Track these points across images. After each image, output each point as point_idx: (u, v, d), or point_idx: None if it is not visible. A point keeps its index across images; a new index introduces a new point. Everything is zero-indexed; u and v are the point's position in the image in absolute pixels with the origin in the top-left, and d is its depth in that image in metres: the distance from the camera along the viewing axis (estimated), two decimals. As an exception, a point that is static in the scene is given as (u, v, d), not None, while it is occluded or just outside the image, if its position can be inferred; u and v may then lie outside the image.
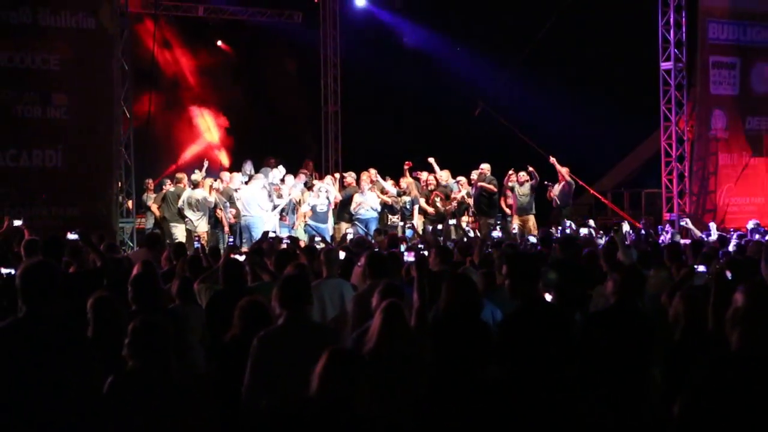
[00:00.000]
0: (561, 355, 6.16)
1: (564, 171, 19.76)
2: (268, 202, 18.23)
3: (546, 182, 19.88)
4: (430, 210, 19.52)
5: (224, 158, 24.23)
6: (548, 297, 7.14)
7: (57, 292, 5.28)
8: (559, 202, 19.67)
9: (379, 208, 18.86)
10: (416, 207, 19.25)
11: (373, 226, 18.17)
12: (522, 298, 6.29)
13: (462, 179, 20.03)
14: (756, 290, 4.47)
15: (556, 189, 19.72)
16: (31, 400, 5.06)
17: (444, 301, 6.41)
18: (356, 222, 18.32)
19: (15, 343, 5.10)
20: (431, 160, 20.21)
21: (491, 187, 19.37)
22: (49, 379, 5.10)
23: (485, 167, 19.87)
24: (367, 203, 18.70)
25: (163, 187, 18.24)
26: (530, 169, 19.50)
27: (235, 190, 18.54)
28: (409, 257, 7.71)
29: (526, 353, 6.07)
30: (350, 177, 19.62)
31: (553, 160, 19.70)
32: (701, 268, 8.52)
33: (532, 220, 19.34)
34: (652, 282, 8.83)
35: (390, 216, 19.35)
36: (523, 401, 6.01)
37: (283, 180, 19.42)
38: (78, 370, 5.21)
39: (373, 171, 19.67)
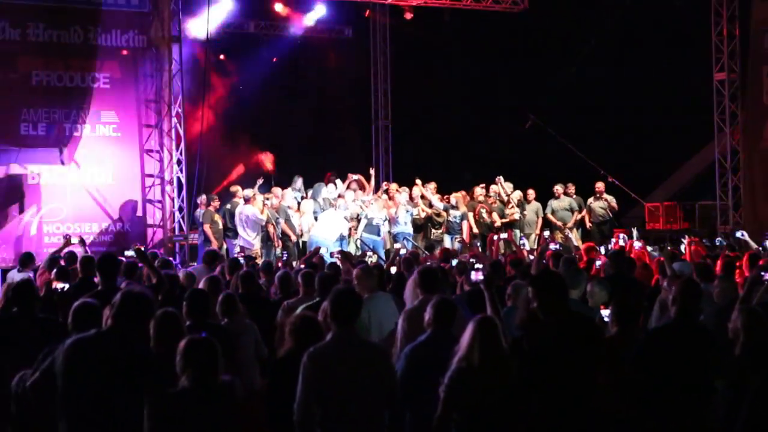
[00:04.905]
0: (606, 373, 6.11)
1: (600, 186, 19.73)
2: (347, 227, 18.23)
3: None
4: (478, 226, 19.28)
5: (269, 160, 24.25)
6: (605, 312, 7.06)
7: (148, 317, 5.87)
8: (600, 218, 19.59)
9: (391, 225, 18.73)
10: (465, 222, 19.11)
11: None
12: (554, 318, 6.18)
13: (531, 192, 19.97)
14: None
15: (597, 203, 19.65)
16: (103, 409, 5.44)
17: (522, 317, 6.44)
18: (406, 238, 18.24)
19: (94, 352, 5.51)
20: (500, 178, 20.08)
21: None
22: (122, 390, 5.46)
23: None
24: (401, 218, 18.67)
25: (211, 203, 18.24)
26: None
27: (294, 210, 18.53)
28: (477, 276, 7.63)
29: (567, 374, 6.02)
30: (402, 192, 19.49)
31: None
32: None
33: (574, 232, 19.22)
34: (716, 293, 8.70)
35: (433, 230, 19.26)
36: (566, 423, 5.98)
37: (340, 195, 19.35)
38: (146, 383, 5.48)
39: (431, 185, 19.67)
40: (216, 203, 18.19)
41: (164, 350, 6.06)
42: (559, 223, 19.54)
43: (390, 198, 19.27)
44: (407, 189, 19.64)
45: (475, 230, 19.07)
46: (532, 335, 6.17)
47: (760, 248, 14.64)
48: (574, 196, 19.83)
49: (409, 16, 23.64)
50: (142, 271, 9.93)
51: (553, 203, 19.76)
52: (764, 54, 20.75)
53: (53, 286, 8.53)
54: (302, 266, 11.57)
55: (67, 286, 8.52)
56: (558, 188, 19.76)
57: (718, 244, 15.42)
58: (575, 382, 5.99)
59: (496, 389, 5.78)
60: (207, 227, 17.80)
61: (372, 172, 20.74)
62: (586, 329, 6.24)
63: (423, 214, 19.20)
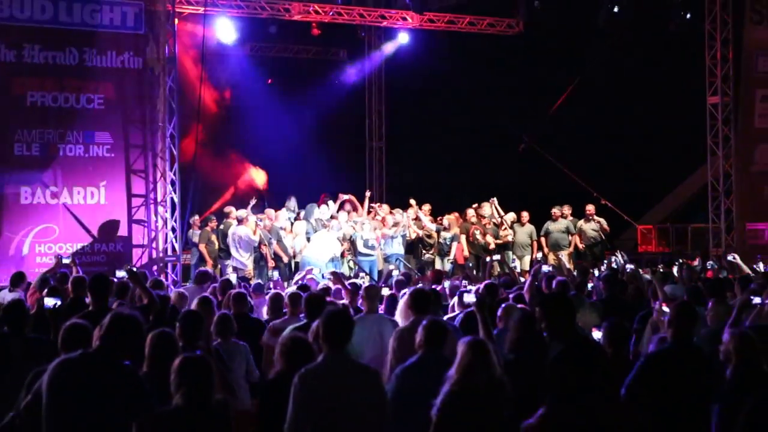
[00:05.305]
0: (608, 394, 6.08)
1: (591, 208, 19.75)
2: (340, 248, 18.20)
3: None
4: (472, 248, 19.30)
5: (261, 177, 24.24)
6: (597, 334, 7.07)
7: (137, 339, 5.86)
8: (592, 240, 19.61)
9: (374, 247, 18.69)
10: (455, 243, 19.09)
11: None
12: (562, 339, 6.20)
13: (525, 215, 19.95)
14: None
15: (589, 225, 19.67)
16: (86, 430, 5.42)
17: (512, 340, 6.42)
18: (398, 259, 18.24)
19: (80, 373, 5.51)
20: (494, 200, 20.06)
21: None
22: (106, 411, 5.45)
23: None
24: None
25: (209, 223, 18.31)
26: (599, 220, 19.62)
27: (286, 230, 18.51)
28: (469, 298, 7.62)
29: (572, 393, 5.99)
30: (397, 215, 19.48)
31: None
32: (757, 300, 8.37)
33: (566, 256, 19.22)
34: (710, 317, 8.71)
35: (424, 251, 19.27)
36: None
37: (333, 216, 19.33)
38: (134, 404, 5.47)
39: (426, 207, 19.69)
40: (213, 224, 18.23)
41: (157, 371, 6.07)
42: (546, 249, 19.56)
43: (381, 220, 19.27)
44: (401, 210, 19.65)
45: (466, 252, 19.05)
46: (536, 356, 6.19)
47: (751, 272, 14.68)
48: (570, 219, 19.85)
49: (404, 38, 23.75)
50: (134, 292, 9.93)
51: (549, 225, 19.77)
52: (757, 77, 20.85)
53: (44, 304, 8.53)
54: (295, 287, 11.57)
55: (58, 302, 8.52)
56: (556, 210, 19.76)
57: (709, 267, 15.47)
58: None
59: (490, 412, 5.77)
60: (203, 247, 17.81)
61: (367, 194, 20.70)
62: (594, 352, 6.25)
63: (414, 235, 19.22)
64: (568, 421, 5.90)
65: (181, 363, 5.44)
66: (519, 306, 8.85)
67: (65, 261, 12.87)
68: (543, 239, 19.78)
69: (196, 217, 19.04)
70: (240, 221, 17.61)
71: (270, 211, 19.01)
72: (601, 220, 19.75)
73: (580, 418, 5.91)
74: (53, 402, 5.46)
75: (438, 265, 18.46)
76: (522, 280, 12.95)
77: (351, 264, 18.17)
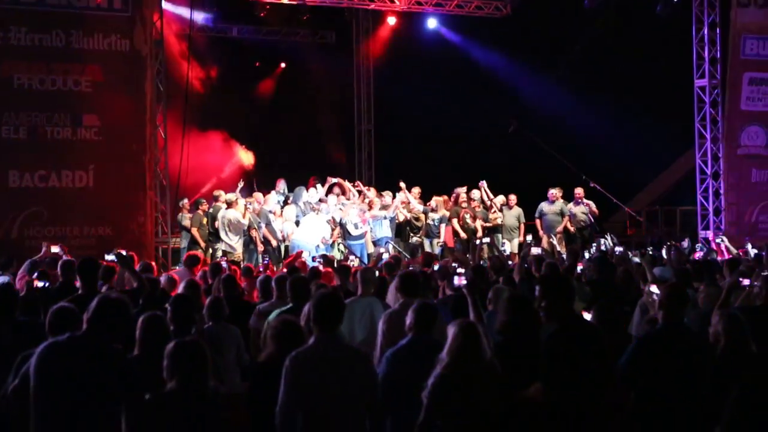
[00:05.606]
0: (601, 375, 6.12)
1: (580, 191, 19.75)
2: (330, 233, 18.15)
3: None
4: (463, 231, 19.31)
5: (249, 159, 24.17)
6: (587, 316, 7.10)
7: (124, 323, 5.82)
8: (582, 223, 19.61)
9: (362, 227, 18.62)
10: (443, 225, 19.08)
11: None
12: (558, 320, 6.24)
13: (512, 198, 19.93)
14: None
15: (578, 209, 19.66)
16: (73, 414, 5.42)
17: (502, 322, 6.43)
18: (388, 242, 18.22)
19: (67, 357, 5.51)
20: (483, 183, 20.02)
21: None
22: (94, 394, 5.44)
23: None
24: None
25: (200, 206, 18.27)
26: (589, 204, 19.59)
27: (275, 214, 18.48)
28: (460, 281, 7.62)
29: (566, 374, 6.03)
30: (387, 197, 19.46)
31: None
32: (746, 282, 8.42)
33: (558, 237, 19.21)
34: (702, 298, 8.75)
35: (411, 234, 19.26)
36: (563, 422, 5.97)
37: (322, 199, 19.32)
38: (122, 388, 5.49)
39: (415, 190, 19.67)
40: (204, 206, 18.19)
41: (148, 355, 6.07)
42: (541, 231, 19.55)
43: (369, 203, 19.24)
44: (390, 193, 19.61)
45: (463, 235, 19.00)
46: (526, 338, 6.22)
47: (740, 253, 14.74)
48: (561, 201, 19.84)
49: (392, 21, 23.67)
50: (122, 275, 9.92)
51: (544, 206, 19.73)
52: (744, 60, 20.86)
53: (34, 285, 8.53)
54: (284, 270, 11.57)
55: (47, 284, 8.52)
56: (554, 192, 19.71)
57: (697, 249, 15.53)
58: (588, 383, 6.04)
59: (480, 395, 5.79)
60: (195, 231, 17.79)
61: (347, 182, 20.61)
62: (589, 332, 6.30)
63: (402, 218, 19.20)
64: (562, 398, 5.95)
65: (175, 348, 5.44)
66: (508, 288, 8.90)
67: (54, 250, 12.77)
68: (537, 221, 19.78)
69: (185, 200, 18.99)
70: (229, 204, 17.57)
71: (259, 195, 18.97)
72: (590, 203, 19.76)
73: (574, 395, 5.97)
74: (41, 385, 5.47)
75: (427, 248, 18.45)
76: (511, 262, 12.98)
77: (341, 248, 18.15)
